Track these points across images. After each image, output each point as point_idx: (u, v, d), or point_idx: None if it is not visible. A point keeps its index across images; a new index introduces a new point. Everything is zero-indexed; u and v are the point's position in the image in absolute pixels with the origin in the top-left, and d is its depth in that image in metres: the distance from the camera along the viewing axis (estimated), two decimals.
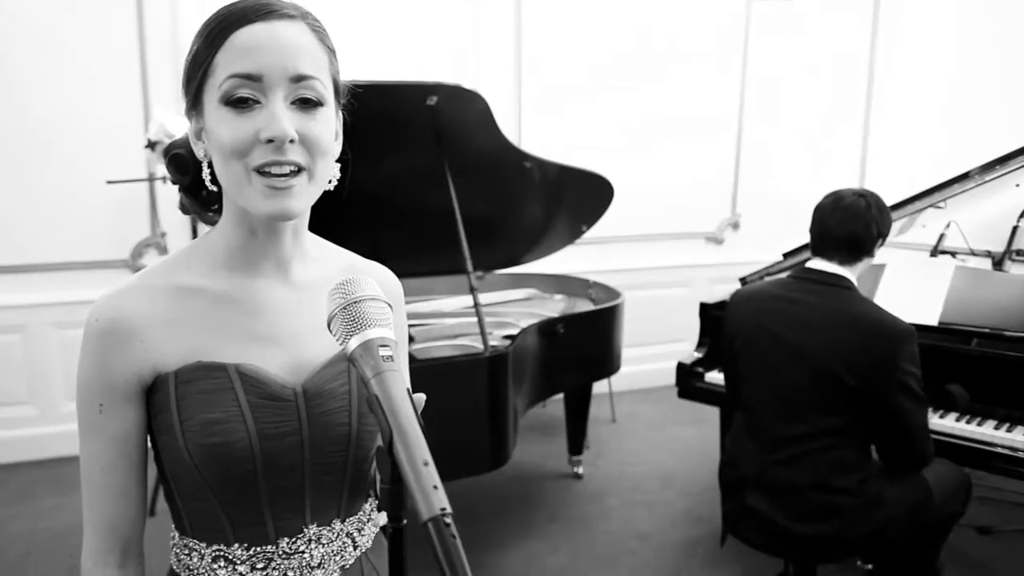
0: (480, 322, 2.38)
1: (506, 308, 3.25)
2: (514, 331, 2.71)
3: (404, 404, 0.62)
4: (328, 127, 0.85)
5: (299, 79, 0.81)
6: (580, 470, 3.40)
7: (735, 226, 4.66)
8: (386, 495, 0.60)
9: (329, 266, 0.98)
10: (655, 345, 4.47)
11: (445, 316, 3.09)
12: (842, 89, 4.75)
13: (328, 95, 0.85)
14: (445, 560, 0.52)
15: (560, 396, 3.48)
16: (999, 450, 2.17)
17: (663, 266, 4.51)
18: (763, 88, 4.54)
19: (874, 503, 1.93)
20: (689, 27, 4.31)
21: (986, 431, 2.22)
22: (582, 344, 2.91)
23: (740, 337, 2.11)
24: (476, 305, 2.40)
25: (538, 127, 4.10)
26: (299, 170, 0.82)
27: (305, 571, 0.91)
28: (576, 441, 3.39)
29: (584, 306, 3.26)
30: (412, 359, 2.46)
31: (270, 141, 0.79)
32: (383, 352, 0.67)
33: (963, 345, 2.36)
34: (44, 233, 3.40)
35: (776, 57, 4.53)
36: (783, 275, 2.33)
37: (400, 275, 3.57)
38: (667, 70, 4.30)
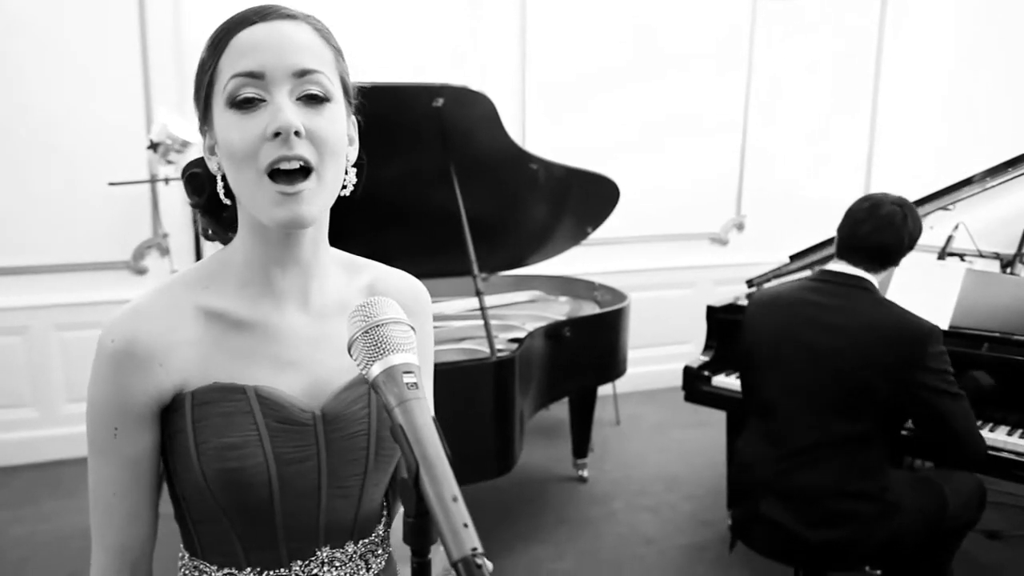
0: (486, 326, 2.35)
1: (511, 311, 3.23)
2: (520, 334, 2.69)
3: (430, 434, 0.60)
4: (336, 124, 0.82)
5: (302, 74, 0.79)
6: (585, 473, 3.37)
7: (740, 227, 4.64)
8: (411, 529, 0.57)
9: (352, 282, 0.95)
10: (659, 347, 4.45)
11: (450, 319, 3.06)
12: (847, 88, 4.72)
13: (335, 91, 0.82)
14: None
15: (564, 398, 3.46)
16: (1012, 456, 2.15)
17: (667, 267, 4.48)
18: (768, 88, 4.51)
19: (891, 510, 1.91)
20: (694, 27, 4.29)
21: (999, 437, 2.19)
22: (589, 347, 2.89)
23: (762, 341, 2.09)
24: (482, 308, 2.38)
25: (542, 127, 4.08)
26: (307, 171, 0.78)
27: None
28: (581, 444, 3.36)
29: (590, 308, 3.24)
30: None
31: (276, 135, 0.77)
32: (407, 379, 0.64)
33: (974, 349, 2.33)
34: (45, 234, 3.37)
35: (781, 57, 4.51)
36: (801, 277, 2.30)
37: None
38: (671, 70, 4.27)
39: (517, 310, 3.24)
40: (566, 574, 2.65)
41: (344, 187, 0.87)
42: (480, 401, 2.29)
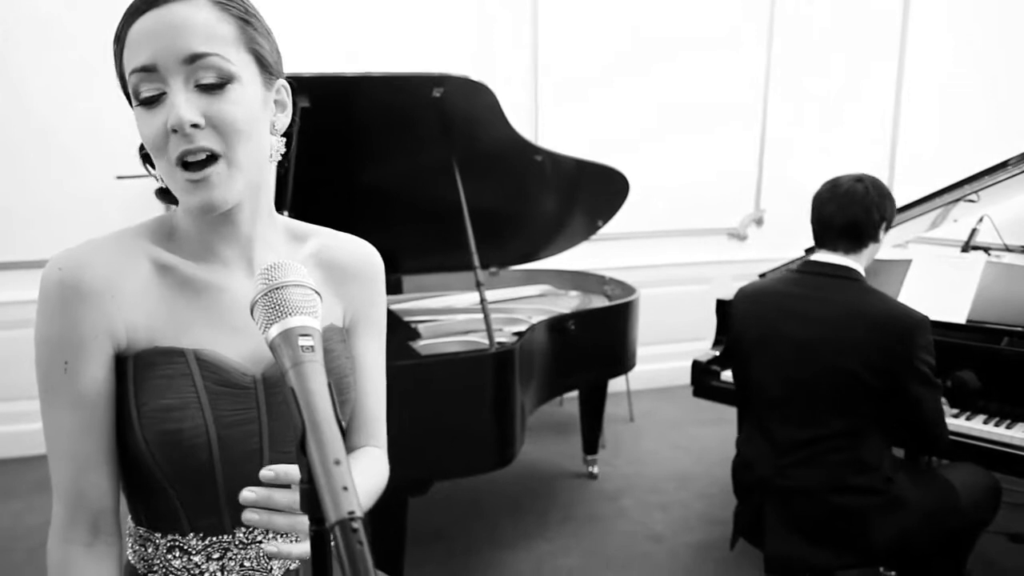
0: (486, 318, 2.33)
1: (519, 304, 3.20)
2: (525, 327, 2.66)
3: (321, 399, 0.58)
4: (241, 104, 0.80)
5: (192, 59, 0.78)
6: (595, 470, 3.33)
7: (759, 222, 4.55)
8: (305, 495, 0.56)
9: (299, 250, 0.96)
10: (675, 343, 4.38)
11: (456, 312, 3.04)
12: (869, 79, 4.60)
13: (236, 69, 0.80)
14: (350, 567, 0.47)
15: (576, 394, 3.42)
16: None
17: (684, 263, 4.42)
18: (788, 80, 4.42)
19: (895, 504, 1.85)
20: (710, 15, 4.21)
21: (1016, 434, 2.10)
22: (594, 341, 2.84)
23: (748, 338, 2.04)
24: (482, 301, 2.35)
25: (555, 119, 4.05)
26: (213, 158, 0.79)
27: (262, 561, 0.89)
28: (591, 440, 3.32)
29: (599, 302, 3.19)
30: (417, 355, 2.42)
31: (175, 131, 0.77)
32: (303, 342, 0.63)
33: (992, 344, 2.25)
34: (54, 229, 3.43)
35: (801, 47, 4.41)
36: (786, 268, 2.25)
37: (412, 271, 3.49)
38: (688, 60, 4.21)
39: (525, 304, 3.21)
40: (572, 571, 2.62)
41: (271, 156, 0.87)
42: (479, 393, 2.26)
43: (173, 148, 0.78)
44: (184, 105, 0.77)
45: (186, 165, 0.78)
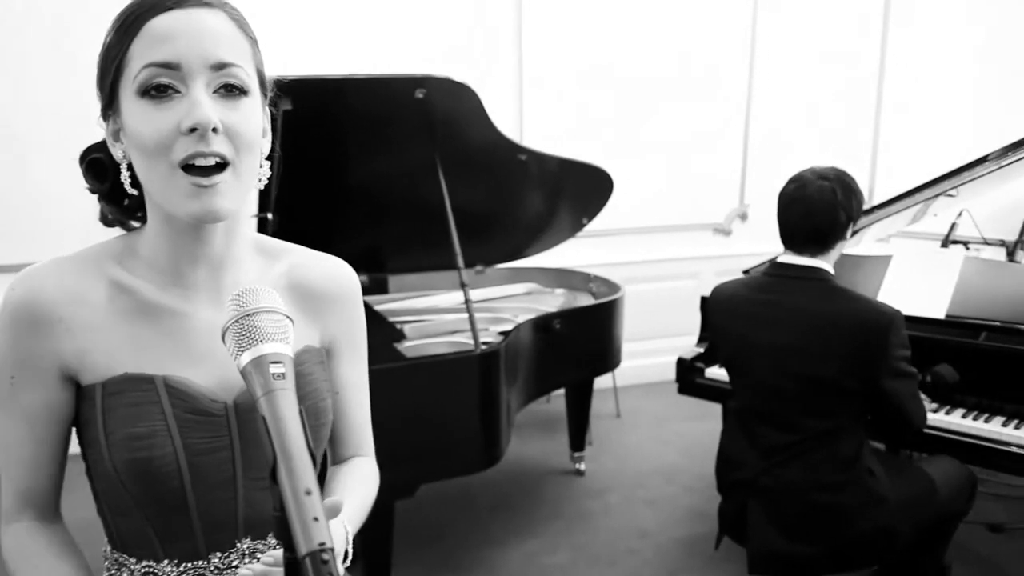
0: (471, 319, 2.33)
1: (505, 303, 3.21)
2: (511, 327, 2.67)
3: (292, 426, 0.58)
4: (253, 118, 0.81)
5: (220, 67, 0.77)
6: (582, 466, 3.35)
7: (743, 217, 4.57)
8: (278, 524, 0.56)
9: (270, 269, 0.93)
10: (661, 339, 4.40)
11: (442, 312, 3.04)
12: (855, 72, 4.62)
13: (252, 84, 0.81)
14: None
15: (563, 391, 3.43)
16: (1008, 448, 2.09)
17: (669, 258, 4.44)
18: (772, 76, 4.44)
19: (875, 497, 1.87)
20: (696, 10, 4.22)
21: (994, 428, 2.13)
22: (579, 340, 2.85)
23: (727, 346, 2.05)
24: (467, 301, 2.36)
25: (540, 118, 4.04)
26: (223, 165, 0.77)
27: None
28: (578, 437, 3.34)
29: (585, 300, 3.20)
30: (403, 357, 2.42)
31: (192, 130, 0.75)
32: (274, 369, 0.62)
33: (971, 339, 2.27)
34: (60, 230, 3.38)
35: (786, 43, 4.42)
36: (757, 270, 2.25)
37: (397, 271, 3.47)
38: (673, 57, 4.21)
39: (511, 303, 3.22)
40: (560, 568, 2.63)
41: (259, 180, 0.86)
42: (465, 394, 2.27)
43: (182, 149, 0.76)
44: (210, 106, 0.76)
45: (191, 169, 0.76)
